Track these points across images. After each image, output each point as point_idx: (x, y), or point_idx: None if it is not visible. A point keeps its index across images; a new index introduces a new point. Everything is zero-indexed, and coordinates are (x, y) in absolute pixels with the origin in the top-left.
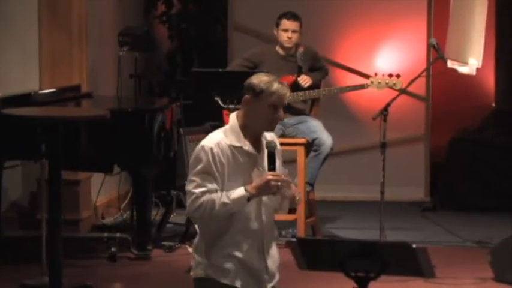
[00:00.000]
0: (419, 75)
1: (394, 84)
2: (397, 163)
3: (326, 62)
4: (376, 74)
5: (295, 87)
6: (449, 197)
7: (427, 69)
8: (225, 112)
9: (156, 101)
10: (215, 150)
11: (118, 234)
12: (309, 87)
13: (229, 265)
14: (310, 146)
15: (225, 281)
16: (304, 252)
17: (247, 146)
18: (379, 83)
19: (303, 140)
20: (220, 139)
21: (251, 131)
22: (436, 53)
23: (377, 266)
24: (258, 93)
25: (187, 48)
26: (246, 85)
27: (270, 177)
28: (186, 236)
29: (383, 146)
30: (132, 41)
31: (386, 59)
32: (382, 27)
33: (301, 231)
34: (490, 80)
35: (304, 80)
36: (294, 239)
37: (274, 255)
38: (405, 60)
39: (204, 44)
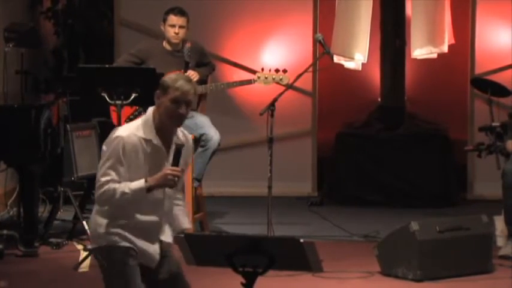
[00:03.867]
0: (305, 71)
1: (281, 79)
2: (284, 158)
3: (213, 57)
4: (262, 70)
5: None
6: (336, 192)
7: (313, 65)
8: (112, 108)
9: (42, 97)
10: (126, 140)
11: (5, 231)
12: (196, 83)
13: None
14: (197, 142)
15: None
16: (192, 248)
17: (156, 140)
18: (266, 78)
19: (190, 136)
20: (134, 130)
21: (161, 125)
22: (322, 48)
23: (265, 261)
24: (164, 88)
25: (73, 44)
26: (159, 82)
27: (168, 171)
28: (73, 232)
29: (270, 141)
30: (18, 37)
31: (273, 55)
32: (269, 23)
33: None
34: (375, 76)
35: (192, 75)
36: (181, 235)
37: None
38: (292, 55)
39: (91, 39)
